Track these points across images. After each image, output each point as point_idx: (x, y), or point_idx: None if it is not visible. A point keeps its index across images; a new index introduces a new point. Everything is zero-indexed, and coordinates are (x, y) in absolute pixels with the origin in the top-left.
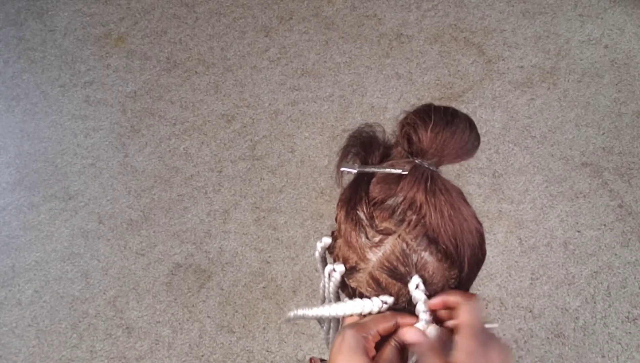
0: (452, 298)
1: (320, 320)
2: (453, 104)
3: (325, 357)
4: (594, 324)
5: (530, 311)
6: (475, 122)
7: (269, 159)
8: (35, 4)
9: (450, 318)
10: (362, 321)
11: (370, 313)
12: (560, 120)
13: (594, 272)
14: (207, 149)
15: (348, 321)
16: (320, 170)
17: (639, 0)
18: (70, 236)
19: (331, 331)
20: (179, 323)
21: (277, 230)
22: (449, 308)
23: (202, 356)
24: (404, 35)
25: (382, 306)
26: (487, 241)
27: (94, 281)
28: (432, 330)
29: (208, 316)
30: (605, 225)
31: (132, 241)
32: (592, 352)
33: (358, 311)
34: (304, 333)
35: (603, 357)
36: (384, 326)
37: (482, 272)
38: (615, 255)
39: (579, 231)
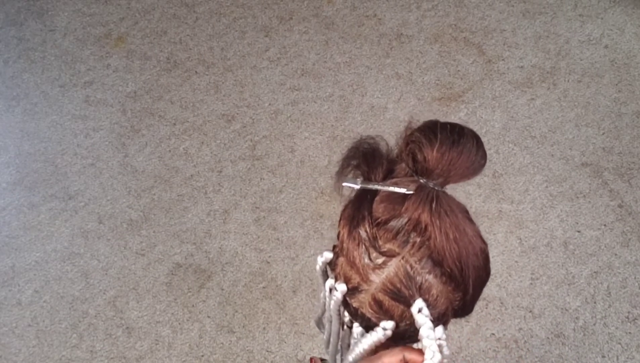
0: None
1: (319, 325)
2: (453, 104)
3: (326, 357)
4: (594, 324)
5: (530, 311)
6: (475, 123)
7: (269, 159)
8: (35, 4)
9: None
10: (370, 358)
11: (379, 342)
12: (560, 120)
13: (594, 272)
14: (207, 149)
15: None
16: (320, 170)
17: (639, 0)
18: (70, 236)
19: (332, 339)
20: (179, 323)
21: (277, 230)
22: None
23: (202, 356)
24: (404, 35)
25: (385, 334)
26: (487, 241)
27: (94, 281)
28: None
29: (208, 317)
30: (605, 225)
31: (132, 241)
32: (592, 352)
33: (368, 348)
34: (304, 333)
35: (603, 357)
36: (391, 362)
37: None
38: (615, 255)
39: (579, 231)
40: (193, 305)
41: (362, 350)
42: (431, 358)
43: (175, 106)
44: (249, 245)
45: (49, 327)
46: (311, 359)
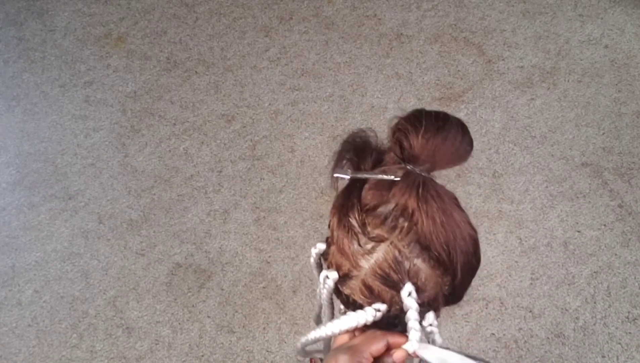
0: None
1: (317, 322)
2: (453, 104)
3: None
4: (594, 324)
5: (530, 311)
6: (475, 122)
7: (269, 159)
8: (35, 4)
9: None
10: (353, 343)
11: (365, 324)
12: (560, 120)
13: (594, 272)
14: (207, 149)
15: (339, 340)
16: (320, 170)
17: (639, 0)
18: (70, 236)
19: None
20: (179, 323)
21: (277, 230)
22: None
23: (202, 356)
24: (404, 35)
25: (375, 315)
26: (487, 241)
27: (94, 281)
28: (424, 353)
29: (208, 316)
30: (605, 225)
31: (132, 241)
32: (592, 352)
33: (354, 325)
34: (304, 334)
35: (603, 357)
36: (376, 347)
37: (482, 272)
38: (615, 255)
39: (579, 231)
40: (193, 305)
41: (347, 326)
42: (415, 339)
43: (175, 106)
44: (249, 245)
45: (49, 327)
46: (311, 360)
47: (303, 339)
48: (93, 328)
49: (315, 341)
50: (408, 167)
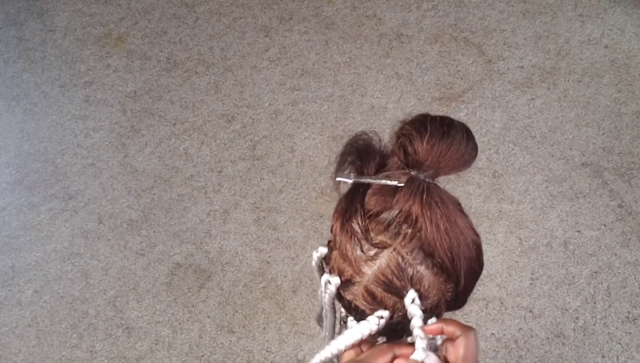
0: (450, 328)
1: (319, 322)
2: (453, 104)
3: None
4: (594, 324)
5: (530, 311)
6: (475, 123)
7: (269, 159)
8: (35, 4)
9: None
10: (360, 358)
11: (370, 334)
12: (560, 120)
13: (594, 272)
14: (207, 149)
15: (346, 356)
16: (320, 170)
17: (639, 0)
18: (70, 236)
19: (327, 334)
20: (179, 323)
21: (277, 230)
22: (447, 337)
23: (202, 356)
24: (404, 35)
25: (379, 323)
26: (487, 241)
27: (94, 281)
28: (430, 361)
29: (208, 317)
30: (605, 225)
31: (132, 241)
32: (592, 352)
33: (359, 337)
34: (304, 333)
35: (603, 357)
36: (383, 360)
37: (482, 272)
38: (615, 255)
39: (579, 231)
40: (193, 305)
41: (352, 340)
42: (422, 348)
43: (175, 106)
44: (249, 245)
45: (49, 327)
46: None
47: (313, 361)
48: (93, 328)
49: (316, 319)
50: (412, 173)
